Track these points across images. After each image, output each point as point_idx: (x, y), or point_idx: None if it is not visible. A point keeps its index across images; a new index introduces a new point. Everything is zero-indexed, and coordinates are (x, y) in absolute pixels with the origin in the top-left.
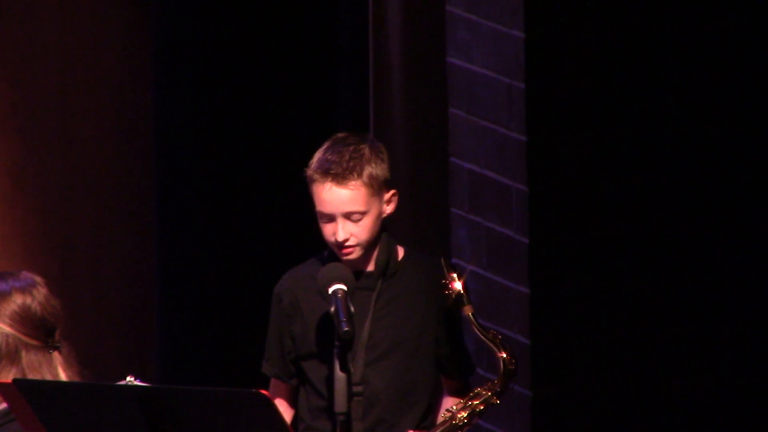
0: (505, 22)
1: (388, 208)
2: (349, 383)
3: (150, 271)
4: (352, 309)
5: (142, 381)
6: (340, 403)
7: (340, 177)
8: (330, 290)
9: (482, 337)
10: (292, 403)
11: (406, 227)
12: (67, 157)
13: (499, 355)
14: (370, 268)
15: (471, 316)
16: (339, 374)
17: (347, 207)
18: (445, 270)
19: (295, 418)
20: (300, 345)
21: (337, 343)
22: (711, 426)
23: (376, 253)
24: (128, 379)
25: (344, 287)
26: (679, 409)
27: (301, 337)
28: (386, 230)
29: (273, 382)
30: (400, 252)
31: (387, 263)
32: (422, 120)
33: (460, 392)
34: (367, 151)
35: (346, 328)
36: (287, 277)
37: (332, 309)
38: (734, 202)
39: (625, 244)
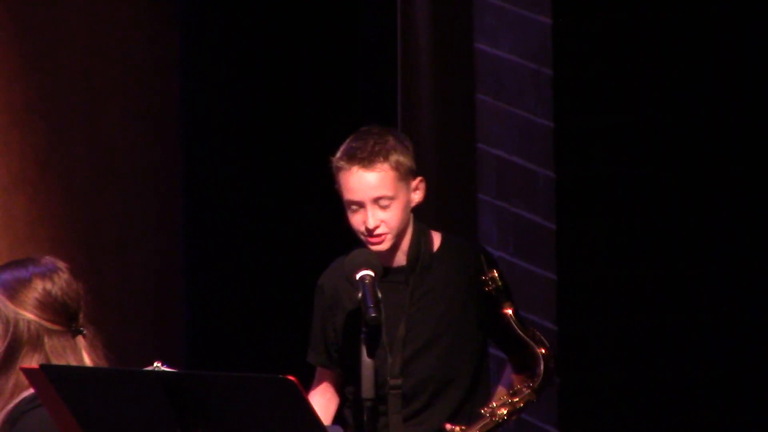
0: (532, 9)
1: (416, 197)
2: (377, 371)
3: (176, 256)
4: (380, 295)
5: (169, 366)
6: (367, 389)
7: (366, 161)
8: (357, 276)
9: (522, 335)
10: (339, 389)
11: (433, 213)
12: (92, 143)
13: (539, 351)
14: (404, 261)
15: (511, 314)
16: (366, 360)
17: (376, 192)
18: (485, 266)
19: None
20: (340, 335)
21: (364, 329)
22: (737, 411)
23: (408, 246)
24: (155, 364)
25: (371, 273)
26: (705, 395)
27: (342, 329)
28: (418, 220)
29: (319, 369)
30: (436, 240)
31: (418, 256)
32: (449, 106)
33: (521, 366)
34: (391, 139)
35: (374, 314)
36: (331, 268)
37: (359, 295)
38: (764, 189)
39: (652, 230)
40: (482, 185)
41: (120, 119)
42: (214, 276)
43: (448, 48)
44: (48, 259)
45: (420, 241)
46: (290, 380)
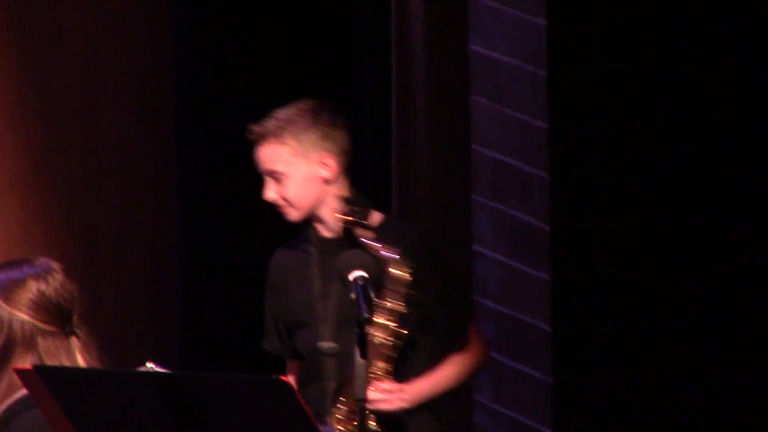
0: (527, 10)
1: (324, 172)
2: (307, 340)
3: (172, 256)
4: (372, 295)
5: (162, 367)
6: (360, 389)
7: (258, 136)
8: (350, 277)
9: (366, 242)
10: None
11: (428, 214)
12: (89, 142)
13: (380, 251)
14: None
15: (363, 237)
16: (359, 361)
17: (265, 165)
18: (347, 206)
19: None
20: (287, 314)
21: (357, 330)
22: (733, 412)
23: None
24: (148, 365)
25: (365, 274)
26: (700, 396)
27: (287, 306)
28: (361, 197)
29: (288, 363)
30: (376, 219)
31: (347, 228)
32: (444, 107)
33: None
34: (304, 115)
35: (367, 316)
36: (280, 248)
37: (353, 296)
38: (761, 191)
39: (646, 231)
40: (477, 186)
41: (115, 120)
42: (210, 277)
43: (443, 49)
44: (42, 260)
45: None
46: (283, 381)
